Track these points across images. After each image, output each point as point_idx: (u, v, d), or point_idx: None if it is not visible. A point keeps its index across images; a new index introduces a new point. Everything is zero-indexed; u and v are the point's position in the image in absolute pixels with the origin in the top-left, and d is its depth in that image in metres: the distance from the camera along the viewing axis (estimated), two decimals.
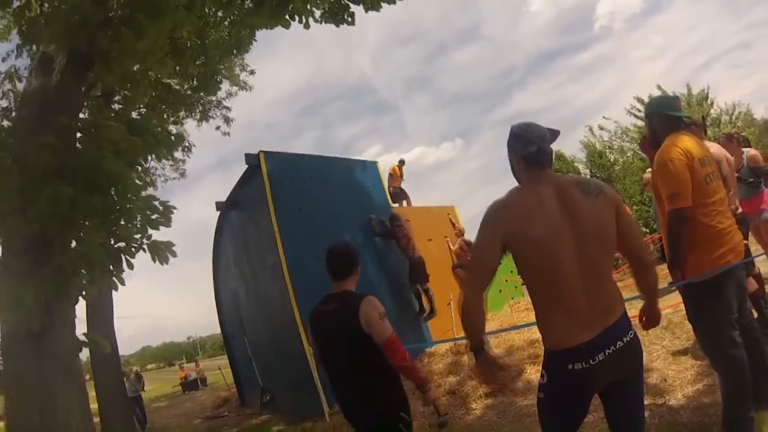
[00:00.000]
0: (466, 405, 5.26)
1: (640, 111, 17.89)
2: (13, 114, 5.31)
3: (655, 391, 4.02)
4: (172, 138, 4.97)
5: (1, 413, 5.26)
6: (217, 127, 11.52)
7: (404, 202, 11.15)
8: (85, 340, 4.61)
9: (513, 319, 9.55)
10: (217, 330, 11.18)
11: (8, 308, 3.92)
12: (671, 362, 4.59)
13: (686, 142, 2.79)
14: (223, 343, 11.99)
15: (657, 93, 17.67)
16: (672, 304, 5.79)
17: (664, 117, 2.93)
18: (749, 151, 5.17)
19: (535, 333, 6.70)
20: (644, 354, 4.79)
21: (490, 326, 9.13)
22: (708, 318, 2.73)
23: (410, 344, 7.53)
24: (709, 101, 18.21)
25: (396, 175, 10.97)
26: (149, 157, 5.06)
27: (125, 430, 7.74)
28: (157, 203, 4.30)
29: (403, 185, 11.54)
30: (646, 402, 3.89)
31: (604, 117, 20.73)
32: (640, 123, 17.74)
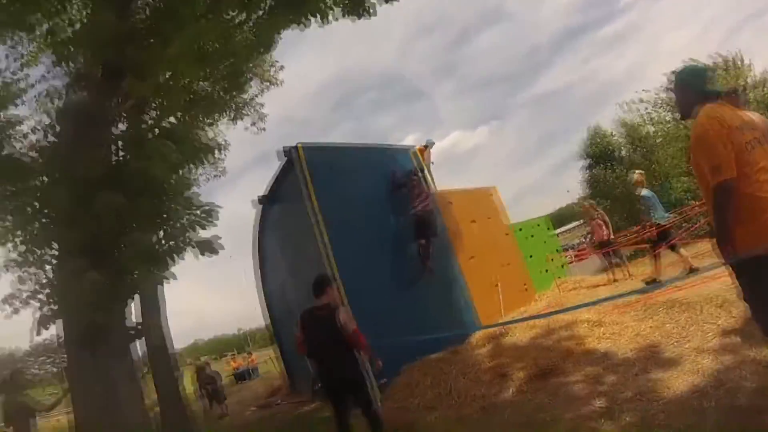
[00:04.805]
0: (517, 386, 5.21)
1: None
2: (58, 129, 5.56)
3: (710, 373, 3.87)
4: (209, 145, 5.15)
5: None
6: (253, 123, 11.67)
7: None
8: (138, 330, 4.86)
9: (560, 298, 9.39)
10: (265, 322, 11.47)
11: (68, 308, 4.14)
12: (727, 342, 4.39)
13: (720, 111, 2.66)
14: (271, 335, 12.30)
15: (693, 58, 16.85)
16: (721, 278, 5.51)
17: (696, 89, 2.80)
18: None
19: (583, 311, 6.56)
20: (698, 334, 4.62)
21: (537, 307, 9.04)
22: (765, 294, 2.55)
23: (456, 330, 7.54)
24: (746, 64, 17.14)
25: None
26: (188, 164, 5.25)
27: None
28: (202, 206, 4.46)
29: (434, 167, 11.13)
30: (700, 385, 3.76)
31: (643, 90, 19.79)
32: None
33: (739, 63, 17.00)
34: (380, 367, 4.56)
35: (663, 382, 4.05)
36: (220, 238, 4.59)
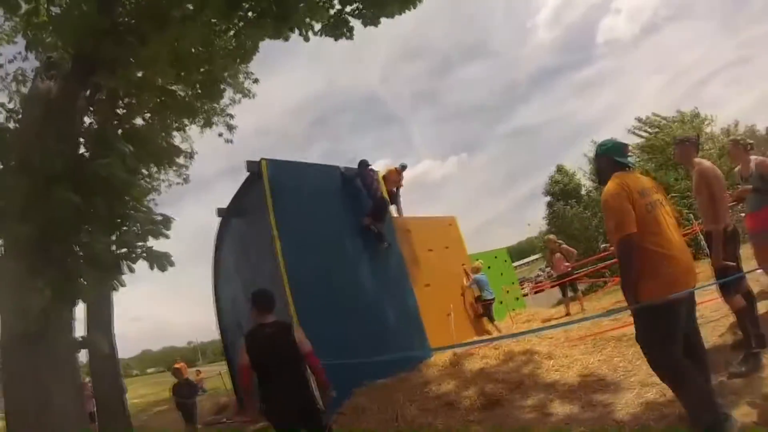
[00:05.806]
0: (463, 417, 5.22)
1: (640, 130, 20.07)
2: (20, 116, 5.36)
3: (653, 406, 3.95)
4: (178, 147, 5.06)
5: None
6: (220, 134, 11.55)
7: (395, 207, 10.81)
8: (82, 340, 4.65)
9: (513, 329, 9.52)
10: (218, 335, 11.18)
11: (8, 310, 3.95)
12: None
13: (625, 178, 3.09)
14: (222, 349, 11.99)
15: (656, 113, 19.92)
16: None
17: (612, 161, 3.26)
18: (757, 158, 4.89)
19: (535, 344, 6.69)
20: (644, 368, 4.70)
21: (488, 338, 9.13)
22: (657, 340, 2.98)
23: (410, 352, 7.52)
24: (702, 117, 19.04)
25: (390, 179, 10.62)
26: (151, 166, 5.15)
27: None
28: (157, 215, 4.38)
29: (402, 192, 11.25)
30: (642, 417, 3.86)
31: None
32: (642, 136, 19.78)
33: (699, 116, 18.64)
34: (333, 397, 3.97)
35: (608, 414, 4.16)
36: (171, 256, 4.48)
